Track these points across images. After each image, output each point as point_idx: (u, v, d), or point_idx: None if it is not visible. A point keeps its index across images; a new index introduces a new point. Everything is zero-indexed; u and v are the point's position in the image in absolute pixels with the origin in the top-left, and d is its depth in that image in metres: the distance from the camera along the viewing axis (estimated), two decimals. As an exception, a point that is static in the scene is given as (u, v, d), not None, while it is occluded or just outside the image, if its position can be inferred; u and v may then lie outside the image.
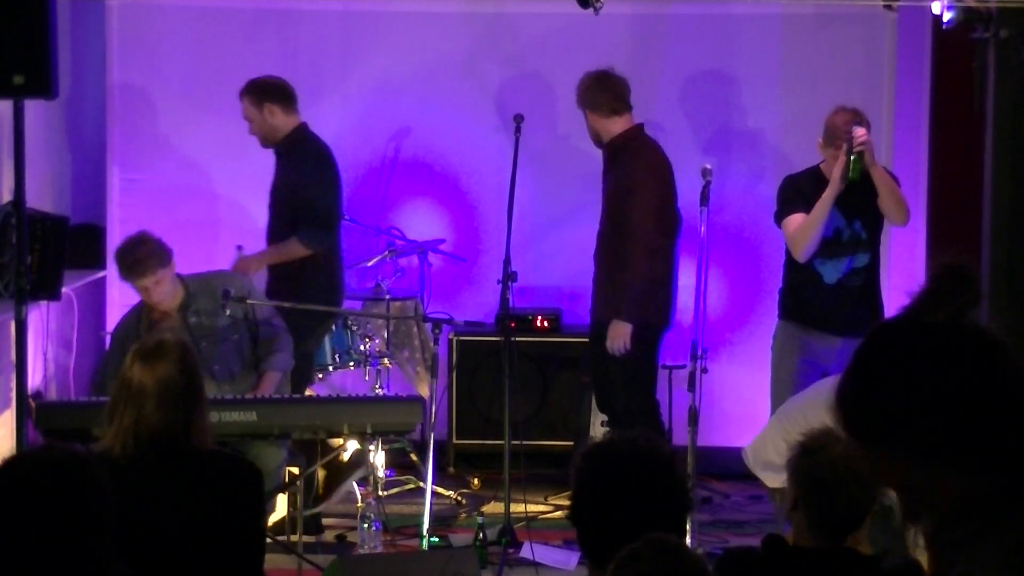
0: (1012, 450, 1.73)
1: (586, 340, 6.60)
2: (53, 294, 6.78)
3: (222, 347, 5.93)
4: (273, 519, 5.70)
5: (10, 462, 2.83)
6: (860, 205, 5.87)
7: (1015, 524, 1.74)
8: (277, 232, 6.55)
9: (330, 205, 6.50)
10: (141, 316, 6.01)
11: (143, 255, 5.83)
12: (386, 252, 7.20)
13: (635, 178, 6.22)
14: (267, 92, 6.51)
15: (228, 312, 5.87)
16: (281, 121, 6.53)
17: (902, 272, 7.16)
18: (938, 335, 1.78)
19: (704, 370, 5.76)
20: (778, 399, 5.85)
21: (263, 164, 7.69)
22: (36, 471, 2.78)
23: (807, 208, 5.86)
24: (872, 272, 5.99)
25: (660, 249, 6.21)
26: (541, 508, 6.53)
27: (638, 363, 6.23)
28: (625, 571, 2.43)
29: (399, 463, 7.08)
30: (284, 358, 6.04)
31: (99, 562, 2.75)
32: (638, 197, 6.18)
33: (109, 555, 2.78)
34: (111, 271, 7.51)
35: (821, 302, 5.91)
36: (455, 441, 7.35)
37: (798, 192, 5.97)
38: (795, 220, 5.90)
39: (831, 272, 5.90)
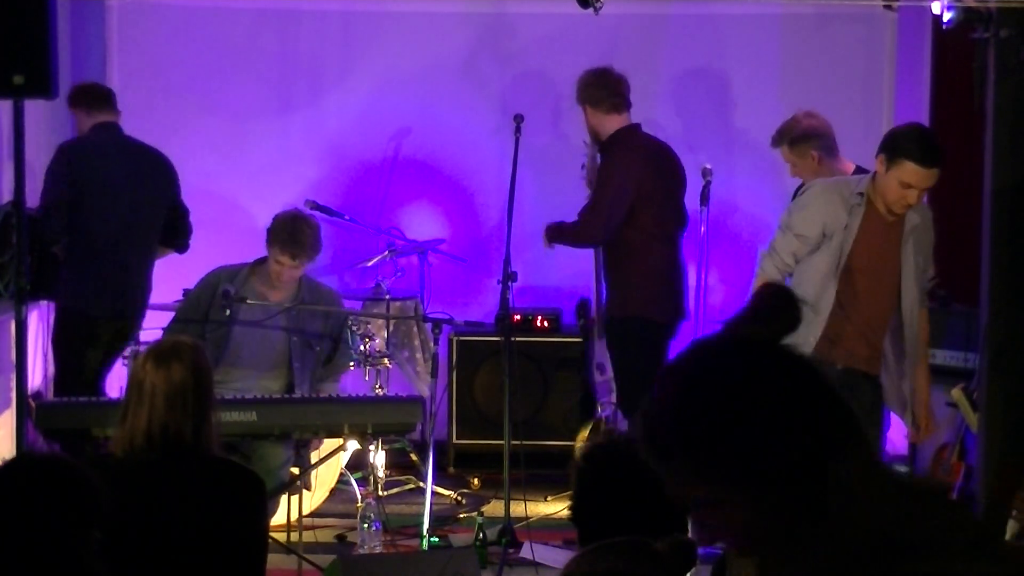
0: (801, 474, 1.67)
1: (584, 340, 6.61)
2: (51, 293, 6.78)
3: (308, 351, 5.99)
4: (276, 519, 5.71)
5: (5, 465, 2.88)
6: None
7: (804, 548, 1.69)
8: None
9: (52, 193, 6.40)
10: (249, 276, 6.00)
11: (306, 240, 5.86)
12: (386, 252, 7.20)
13: (608, 170, 6.24)
14: (72, 98, 6.71)
15: (228, 312, 5.87)
16: (83, 123, 6.70)
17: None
18: (743, 354, 1.73)
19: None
20: None
21: (262, 163, 7.71)
22: (23, 473, 2.82)
23: None
24: None
25: (621, 242, 6.21)
26: (541, 508, 6.53)
27: (638, 361, 6.24)
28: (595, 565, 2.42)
29: (399, 463, 7.09)
30: (341, 379, 6.24)
31: (83, 563, 2.77)
32: (599, 185, 6.22)
33: (93, 556, 2.80)
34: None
35: None
36: (455, 441, 7.35)
37: None
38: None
39: None
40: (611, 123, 6.31)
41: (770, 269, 5.05)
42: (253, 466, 5.18)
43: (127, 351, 6.71)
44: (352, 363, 6.66)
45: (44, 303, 6.99)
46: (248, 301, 5.86)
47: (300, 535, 5.56)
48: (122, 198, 6.53)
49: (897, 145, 4.85)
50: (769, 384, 1.69)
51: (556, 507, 6.51)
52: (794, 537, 1.68)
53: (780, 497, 1.67)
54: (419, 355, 7.22)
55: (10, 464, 2.93)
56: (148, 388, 3.64)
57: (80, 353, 6.52)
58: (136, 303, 6.61)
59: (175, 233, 6.76)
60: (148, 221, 6.67)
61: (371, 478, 6.36)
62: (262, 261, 5.99)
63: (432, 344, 6.42)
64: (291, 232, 5.84)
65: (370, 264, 7.18)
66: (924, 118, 7.46)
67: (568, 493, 2.97)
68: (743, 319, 1.78)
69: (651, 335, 6.26)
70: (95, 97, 6.72)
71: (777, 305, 1.79)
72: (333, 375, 6.13)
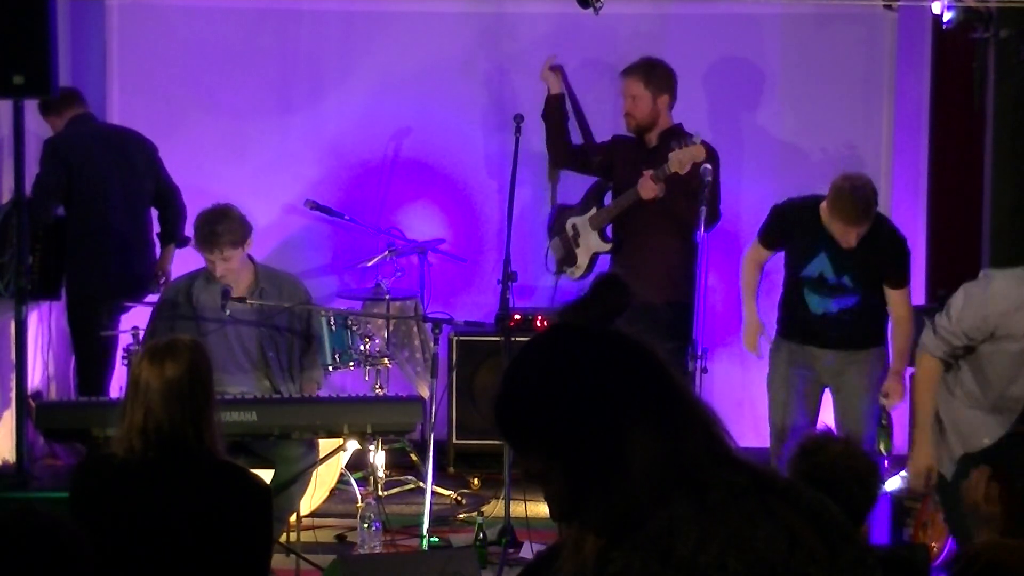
0: (599, 444, 1.81)
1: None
2: (53, 294, 6.79)
3: (279, 338, 5.98)
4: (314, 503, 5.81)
5: None
6: (854, 266, 5.72)
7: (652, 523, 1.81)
8: None
9: (45, 177, 6.61)
10: (205, 283, 5.98)
11: (219, 230, 5.82)
12: (386, 252, 7.20)
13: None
14: (41, 109, 6.88)
15: (228, 312, 5.87)
16: (57, 126, 6.90)
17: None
18: (561, 338, 1.90)
19: (704, 370, 5.75)
20: (774, 406, 5.89)
21: (262, 163, 7.71)
22: (11, 536, 2.77)
23: (781, 245, 5.88)
24: (865, 307, 5.78)
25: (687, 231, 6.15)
26: (541, 508, 6.53)
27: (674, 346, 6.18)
28: None
29: (399, 463, 7.09)
30: (321, 372, 6.21)
31: None
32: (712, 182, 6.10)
33: None
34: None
35: (810, 326, 5.82)
36: (455, 441, 7.34)
37: (783, 227, 5.89)
38: (752, 255, 6.03)
39: (817, 304, 5.81)
40: (668, 116, 6.37)
41: (935, 349, 4.87)
42: (275, 464, 5.22)
43: (125, 348, 6.73)
44: (352, 363, 6.66)
45: (44, 303, 6.99)
46: (248, 301, 5.86)
47: (300, 535, 5.56)
48: (112, 182, 6.72)
49: None
50: (581, 362, 1.85)
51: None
52: (600, 507, 1.83)
53: (585, 465, 1.82)
54: (419, 355, 7.22)
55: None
56: (143, 385, 3.61)
57: (95, 337, 6.70)
58: (140, 279, 6.87)
59: (171, 222, 6.94)
60: (138, 199, 6.88)
61: (371, 478, 6.36)
62: None
63: (432, 344, 6.42)
64: (202, 228, 5.86)
65: (370, 264, 7.18)
66: (924, 118, 7.47)
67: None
68: (571, 308, 1.96)
69: (687, 320, 6.18)
70: (60, 99, 6.79)
71: (602, 292, 1.97)
72: (313, 365, 6.11)
